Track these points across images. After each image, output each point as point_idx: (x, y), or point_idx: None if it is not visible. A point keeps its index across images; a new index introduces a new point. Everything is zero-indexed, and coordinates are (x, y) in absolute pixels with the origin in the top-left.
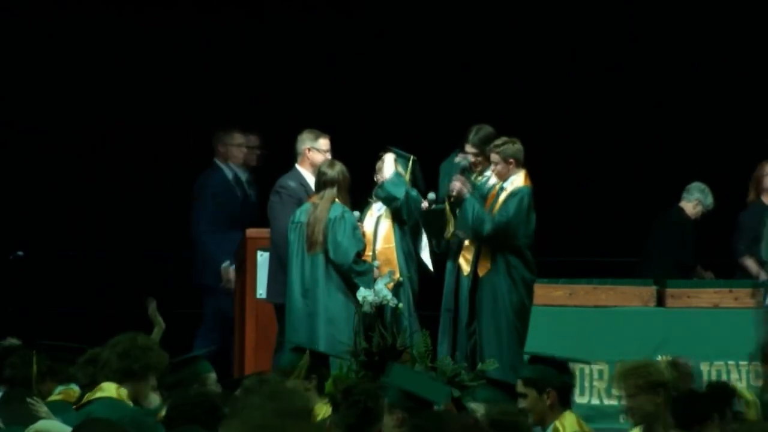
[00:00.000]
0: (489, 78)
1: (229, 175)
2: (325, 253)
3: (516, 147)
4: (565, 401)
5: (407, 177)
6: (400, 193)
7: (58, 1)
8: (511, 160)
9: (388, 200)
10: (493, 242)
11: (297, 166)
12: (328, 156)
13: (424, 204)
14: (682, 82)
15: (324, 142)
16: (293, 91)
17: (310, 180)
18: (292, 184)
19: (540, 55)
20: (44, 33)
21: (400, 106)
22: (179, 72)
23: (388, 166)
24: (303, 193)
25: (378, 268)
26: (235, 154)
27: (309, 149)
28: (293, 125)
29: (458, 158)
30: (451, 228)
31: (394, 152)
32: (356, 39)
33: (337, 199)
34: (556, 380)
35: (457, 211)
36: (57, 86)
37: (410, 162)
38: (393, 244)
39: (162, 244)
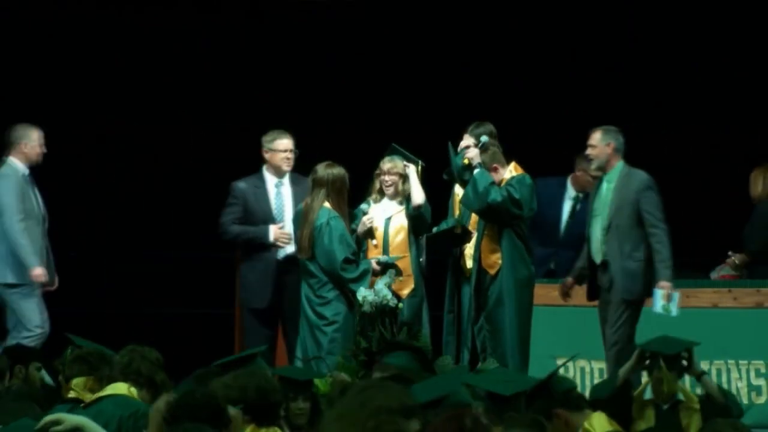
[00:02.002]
0: (489, 78)
1: None
2: (313, 257)
3: (492, 151)
4: (574, 406)
5: None
6: (429, 217)
7: (58, 1)
8: (495, 165)
9: (421, 224)
10: (499, 212)
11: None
12: (287, 156)
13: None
14: (682, 82)
15: (280, 143)
16: (293, 91)
17: (271, 180)
18: (240, 185)
19: (540, 55)
20: (44, 33)
21: (400, 106)
22: (179, 72)
23: (416, 186)
24: (252, 194)
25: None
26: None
27: (266, 150)
28: (293, 125)
29: (462, 144)
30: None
31: (398, 151)
32: (356, 39)
33: (326, 202)
34: (555, 400)
35: (462, 192)
36: (57, 86)
37: (418, 168)
38: (409, 255)
39: (162, 244)
